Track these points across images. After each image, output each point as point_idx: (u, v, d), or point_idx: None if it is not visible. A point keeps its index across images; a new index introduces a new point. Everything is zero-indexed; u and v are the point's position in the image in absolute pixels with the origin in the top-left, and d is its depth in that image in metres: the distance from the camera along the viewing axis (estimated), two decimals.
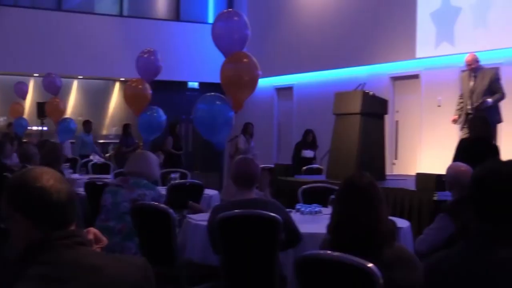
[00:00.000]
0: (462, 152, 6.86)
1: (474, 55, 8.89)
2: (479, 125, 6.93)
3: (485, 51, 10.43)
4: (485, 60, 10.44)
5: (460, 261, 2.15)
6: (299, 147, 13.02)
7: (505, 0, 10.12)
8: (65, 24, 15.81)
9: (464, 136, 7.19)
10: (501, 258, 2.07)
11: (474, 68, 8.68)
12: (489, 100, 8.41)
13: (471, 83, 8.64)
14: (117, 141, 15.11)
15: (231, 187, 5.23)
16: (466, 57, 8.88)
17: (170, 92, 16.47)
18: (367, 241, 2.84)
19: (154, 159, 5.50)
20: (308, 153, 12.80)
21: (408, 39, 11.87)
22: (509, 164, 2.17)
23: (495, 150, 6.87)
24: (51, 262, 1.85)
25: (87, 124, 14.15)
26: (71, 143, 14.28)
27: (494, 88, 8.50)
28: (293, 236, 4.34)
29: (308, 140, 12.90)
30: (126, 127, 14.03)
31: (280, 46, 15.87)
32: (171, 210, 4.88)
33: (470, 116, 8.38)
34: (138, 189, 5.15)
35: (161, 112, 11.40)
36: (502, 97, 8.54)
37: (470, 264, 2.12)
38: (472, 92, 8.59)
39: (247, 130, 13.09)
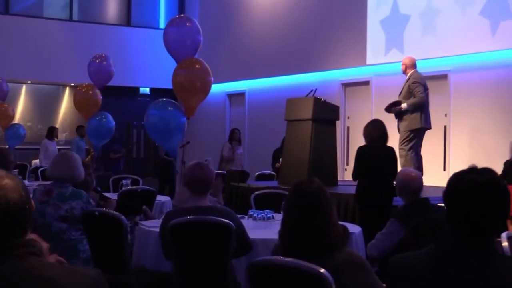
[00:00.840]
0: (359, 159, 6.91)
1: (406, 58, 8.92)
2: (369, 130, 6.95)
3: (433, 58, 10.63)
4: (434, 67, 10.66)
5: (426, 262, 2.19)
6: (278, 154, 13.01)
7: (453, 8, 10.32)
8: (13, 28, 15.53)
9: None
10: (464, 261, 2.11)
11: (404, 71, 8.70)
12: (404, 104, 8.41)
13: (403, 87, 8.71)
14: (68, 147, 14.88)
15: (184, 193, 5.17)
16: None
17: (121, 98, 16.33)
18: (317, 246, 2.86)
19: (78, 159, 5.18)
20: None
21: (358, 46, 12.02)
22: (477, 172, 2.19)
23: (390, 155, 6.88)
24: (0, 273, 1.80)
25: (80, 129, 13.88)
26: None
27: (412, 92, 8.41)
28: (245, 245, 4.33)
29: None
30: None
31: (231, 52, 15.88)
32: (122, 217, 4.81)
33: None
34: (63, 203, 4.88)
35: (110, 117, 11.26)
36: (419, 101, 8.35)
37: (436, 265, 2.15)
38: (399, 95, 8.67)
39: (233, 136, 13.00)
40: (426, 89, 8.43)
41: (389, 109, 8.71)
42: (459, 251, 2.15)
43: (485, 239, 2.15)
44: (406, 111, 8.40)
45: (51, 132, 13.95)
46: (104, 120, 11.19)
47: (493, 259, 2.12)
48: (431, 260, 2.19)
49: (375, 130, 6.83)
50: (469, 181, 2.16)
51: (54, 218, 4.86)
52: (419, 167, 8.27)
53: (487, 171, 2.19)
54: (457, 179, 2.20)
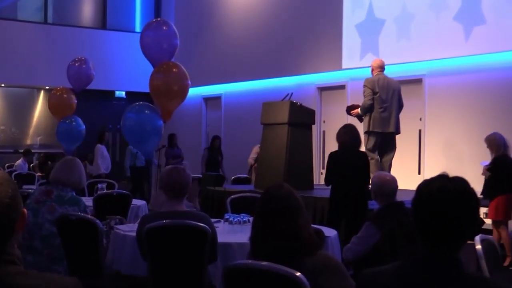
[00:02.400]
0: (330, 164, 6.93)
1: (374, 60, 9.02)
2: (341, 135, 6.98)
3: (408, 62, 10.72)
4: (409, 72, 10.76)
5: (395, 280, 2.19)
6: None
7: (427, 14, 10.42)
8: None
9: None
10: (431, 276, 2.12)
11: (371, 73, 8.80)
12: (359, 109, 8.60)
13: None
14: (43, 150, 14.76)
15: (160, 197, 5.15)
16: None
17: (97, 101, 16.24)
18: (287, 251, 2.86)
19: (81, 166, 5.21)
20: None
21: (334, 51, 12.07)
22: (447, 180, 2.19)
23: (361, 160, 6.93)
24: None
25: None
26: None
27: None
28: (213, 254, 4.33)
29: None
30: (171, 138, 13.67)
31: (207, 55, 15.87)
32: (98, 221, 4.78)
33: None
34: (60, 206, 4.87)
35: (80, 121, 11.14)
36: (363, 104, 8.50)
37: (405, 280, 2.16)
38: None
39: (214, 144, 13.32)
40: (375, 93, 8.46)
41: (348, 112, 8.85)
42: (426, 269, 2.15)
43: (452, 249, 2.15)
44: (360, 115, 8.61)
45: (102, 136, 13.69)
46: (74, 123, 11.05)
47: (459, 279, 2.13)
48: (400, 277, 2.19)
49: (346, 135, 6.83)
50: (438, 189, 2.15)
51: (46, 220, 4.83)
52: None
53: (457, 179, 2.19)
54: (426, 187, 2.19)
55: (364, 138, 8.54)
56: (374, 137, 8.52)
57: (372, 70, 8.73)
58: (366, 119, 8.54)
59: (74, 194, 5.07)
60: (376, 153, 8.60)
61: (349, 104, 9.48)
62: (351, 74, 11.87)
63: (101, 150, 13.41)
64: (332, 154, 6.92)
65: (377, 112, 8.45)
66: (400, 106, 8.72)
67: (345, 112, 9.21)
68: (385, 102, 8.46)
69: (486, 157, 9.58)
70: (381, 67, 8.69)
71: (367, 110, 8.47)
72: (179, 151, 13.64)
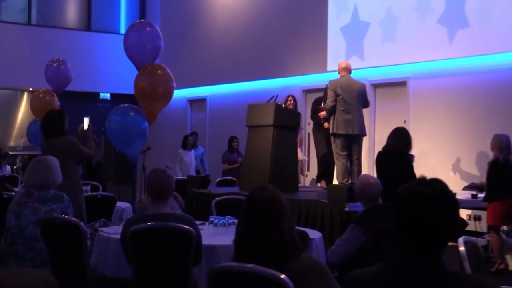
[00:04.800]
0: (375, 163, 7.16)
1: (340, 63, 9.18)
2: (388, 136, 7.22)
3: (393, 65, 10.77)
4: (393, 74, 10.81)
5: (377, 282, 2.19)
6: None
7: (412, 16, 10.47)
8: None
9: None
10: (415, 279, 2.13)
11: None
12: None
13: None
14: (27, 152, 14.65)
15: (146, 199, 5.14)
16: None
17: (81, 103, 16.15)
18: (271, 253, 2.86)
19: (55, 163, 5.16)
20: None
21: (319, 53, 12.10)
22: (426, 184, 2.20)
23: (403, 162, 7.08)
24: None
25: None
26: None
27: None
28: (197, 256, 4.33)
29: None
30: (230, 141, 12.78)
31: (193, 57, 15.85)
32: (82, 224, 4.76)
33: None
34: (43, 205, 4.85)
35: None
36: (325, 107, 8.77)
37: (389, 283, 2.16)
38: None
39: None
40: (338, 94, 8.57)
41: (316, 114, 9.02)
42: (408, 271, 2.15)
43: (433, 252, 2.15)
44: (327, 117, 8.81)
45: (185, 141, 13.08)
46: None
47: (442, 279, 2.14)
48: (384, 279, 2.19)
49: (390, 137, 7.17)
50: (417, 193, 2.16)
51: (30, 221, 4.80)
52: (343, 174, 8.59)
53: (436, 183, 2.19)
54: (406, 191, 2.20)
55: (331, 140, 8.76)
56: (340, 138, 8.63)
57: (339, 72, 8.89)
58: (331, 121, 8.71)
59: (55, 191, 5.02)
60: (344, 154, 8.65)
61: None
62: (336, 76, 11.86)
63: (181, 155, 12.89)
64: (378, 153, 7.26)
65: (340, 114, 8.57)
66: (365, 105, 8.86)
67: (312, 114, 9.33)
68: (348, 104, 8.56)
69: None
70: (347, 69, 8.86)
71: (330, 112, 8.64)
72: (236, 156, 12.61)
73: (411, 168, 7.08)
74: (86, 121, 6.68)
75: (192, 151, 12.54)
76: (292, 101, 10.31)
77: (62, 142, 6.36)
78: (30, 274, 1.91)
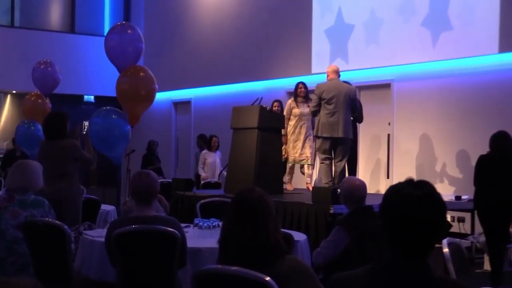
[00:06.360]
0: (476, 166, 7.32)
1: (328, 66, 9.29)
2: (490, 139, 7.29)
3: (377, 67, 10.81)
4: (378, 77, 10.86)
5: (366, 282, 2.19)
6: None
7: (396, 19, 10.51)
8: None
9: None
10: (401, 281, 2.13)
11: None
12: None
13: None
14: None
15: (131, 202, 5.12)
16: None
17: (65, 106, 16.04)
18: (255, 255, 2.85)
19: (36, 167, 5.12)
20: None
21: (304, 55, 12.12)
22: (414, 186, 2.20)
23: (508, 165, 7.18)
24: None
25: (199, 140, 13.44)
26: None
27: None
28: (182, 259, 4.32)
29: None
30: (210, 140, 12.46)
31: (178, 60, 15.83)
32: (65, 227, 4.73)
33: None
34: (24, 210, 4.79)
35: (38, 126, 10.96)
36: (309, 110, 9.19)
37: (375, 285, 2.16)
38: None
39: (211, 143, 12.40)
40: (323, 98, 8.62)
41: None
42: (398, 273, 2.15)
43: (421, 254, 2.16)
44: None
45: (210, 142, 12.45)
46: (32, 128, 10.81)
47: (429, 282, 2.14)
48: (369, 281, 2.19)
49: (492, 140, 7.20)
50: (405, 195, 2.15)
51: (10, 225, 4.74)
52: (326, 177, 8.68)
53: (424, 185, 2.19)
54: (393, 193, 2.20)
55: (315, 142, 8.92)
56: (323, 141, 8.65)
57: (327, 75, 8.91)
58: (315, 123, 8.84)
59: (35, 196, 4.97)
60: (327, 157, 8.68)
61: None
62: (321, 78, 11.87)
63: (205, 156, 12.45)
64: (479, 157, 7.32)
65: (325, 117, 8.59)
66: (353, 110, 8.82)
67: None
68: (334, 107, 8.57)
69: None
70: (335, 72, 8.90)
71: (314, 115, 8.90)
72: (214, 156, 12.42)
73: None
74: (83, 125, 6.67)
75: (218, 152, 12.33)
76: (278, 107, 10.30)
77: (65, 145, 6.36)
78: (17, 285, 1.87)
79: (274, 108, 10.21)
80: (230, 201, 3.03)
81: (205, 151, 12.37)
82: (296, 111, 9.76)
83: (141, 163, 13.69)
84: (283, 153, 9.65)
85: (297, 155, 9.76)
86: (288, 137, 9.79)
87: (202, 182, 11.34)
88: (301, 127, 9.74)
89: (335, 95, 8.57)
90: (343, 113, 8.57)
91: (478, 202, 7.33)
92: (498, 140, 7.19)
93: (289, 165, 9.86)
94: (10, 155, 13.37)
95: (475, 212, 7.68)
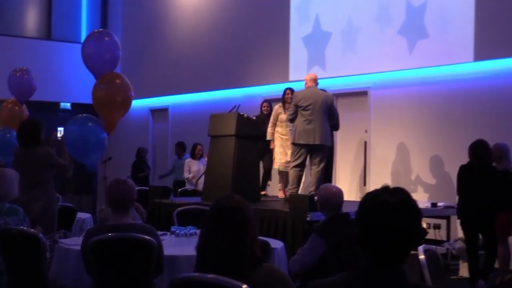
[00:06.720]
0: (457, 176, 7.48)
1: (306, 74, 9.38)
2: (469, 148, 7.43)
3: (354, 75, 10.86)
4: (354, 84, 10.91)
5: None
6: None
7: (373, 27, 10.58)
8: None
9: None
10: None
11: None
12: None
13: None
14: None
15: (107, 209, 5.09)
16: None
17: (41, 113, 15.90)
18: (233, 263, 2.85)
19: (11, 176, 5.13)
20: None
21: (281, 63, 12.15)
22: (389, 193, 2.20)
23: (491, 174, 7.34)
24: None
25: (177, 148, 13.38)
26: None
27: None
28: (159, 267, 4.30)
29: None
30: (194, 148, 12.38)
31: (155, 67, 15.79)
32: (40, 235, 4.69)
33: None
34: None
35: (14, 133, 10.84)
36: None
37: None
38: None
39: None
40: (300, 106, 8.65)
41: None
42: (373, 281, 2.15)
43: (396, 261, 2.16)
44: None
45: (193, 150, 12.33)
46: (8, 135, 10.69)
47: None
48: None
49: (473, 149, 7.33)
50: (380, 202, 2.16)
51: None
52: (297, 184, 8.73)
53: (399, 192, 2.19)
54: (369, 200, 2.20)
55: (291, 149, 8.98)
56: (299, 148, 8.67)
57: (305, 83, 8.94)
58: (292, 131, 8.92)
59: (10, 204, 4.96)
60: (300, 163, 8.74)
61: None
62: (298, 86, 11.93)
63: (189, 164, 12.29)
64: (460, 167, 7.47)
65: (301, 125, 8.62)
66: (331, 117, 8.83)
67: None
68: (310, 114, 8.59)
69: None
70: (313, 80, 8.93)
71: (291, 122, 8.92)
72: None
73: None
74: (58, 132, 6.63)
75: (202, 159, 12.22)
76: (267, 107, 10.41)
77: (40, 153, 6.33)
78: None
79: (263, 109, 10.33)
80: (210, 208, 3.02)
81: (189, 159, 12.33)
82: (282, 116, 9.80)
83: (131, 171, 13.60)
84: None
85: (283, 161, 9.80)
86: (276, 143, 9.85)
87: (183, 188, 11.29)
88: (287, 133, 9.78)
89: (312, 103, 8.60)
90: (320, 121, 8.59)
91: (460, 210, 7.42)
92: (477, 149, 7.28)
93: (278, 170, 10.02)
94: None
95: (457, 220, 7.72)
